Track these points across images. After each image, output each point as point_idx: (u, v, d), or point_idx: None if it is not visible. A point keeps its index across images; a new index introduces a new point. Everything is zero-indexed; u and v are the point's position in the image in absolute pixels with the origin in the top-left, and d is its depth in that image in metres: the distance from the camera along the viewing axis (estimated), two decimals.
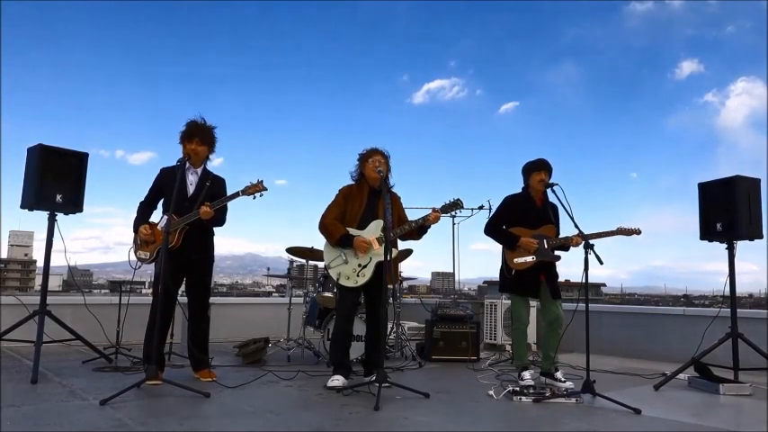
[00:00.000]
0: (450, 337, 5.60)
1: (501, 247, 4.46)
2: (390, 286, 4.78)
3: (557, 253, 4.37)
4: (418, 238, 4.26)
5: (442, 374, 4.89)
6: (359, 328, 4.68)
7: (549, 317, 4.33)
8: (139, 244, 4.10)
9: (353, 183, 4.28)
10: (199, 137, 4.07)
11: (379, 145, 4.27)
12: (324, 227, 4.13)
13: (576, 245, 4.19)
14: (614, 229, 4.30)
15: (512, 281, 4.35)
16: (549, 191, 4.31)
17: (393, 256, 4.02)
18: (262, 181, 3.95)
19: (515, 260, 4.29)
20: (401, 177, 4.34)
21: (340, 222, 4.11)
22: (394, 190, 4.28)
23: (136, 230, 4.11)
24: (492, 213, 4.58)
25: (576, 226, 4.00)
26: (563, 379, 4.24)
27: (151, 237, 4.07)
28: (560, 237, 4.32)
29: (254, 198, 3.98)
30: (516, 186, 4.54)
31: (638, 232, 4.32)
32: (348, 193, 4.22)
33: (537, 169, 4.37)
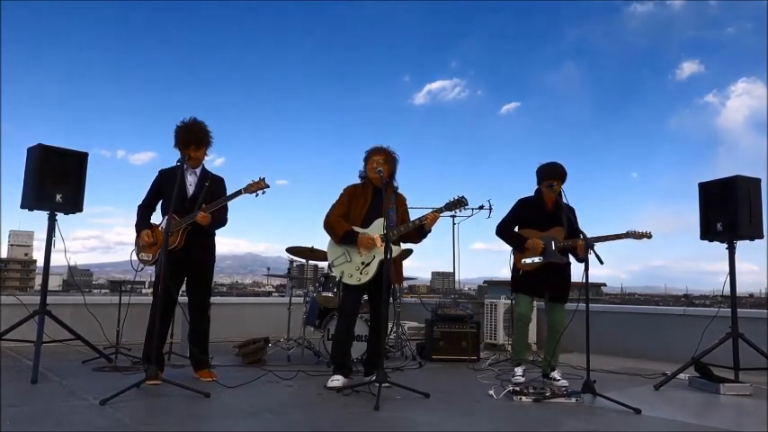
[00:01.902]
0: (450, 336, 5.59)
1: (508, 248, 4.50)
2: (395, 285, 4.79)
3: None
4: (418, 241, 4.28)
5: (442, 374, 4.89)
6: (360, 327, 4.69)
7: (549, 321, 4.42)
8: (142, 246, 4.11)
9: (359, 182, 4.30)
10: (195, 143, 4.04)
11: (383, 145, 4.28)
12: (328, 224, 4.14)
13: (582, 249, 4.17)
14: (624, 232, 4.26)
15: (519, 280, 4.42)
16: (563, 192, 4.32)
17: (396, 254, 4.04)
18: (264, 178, 3.96)
19: (523, 261, 4.36)
20: (402, 177, 4.36)
21: (344, 221, 4.12)
22: (400, 191, 4.31)
23: (138, 234, 4.12)
24: (504, 215, 4.59)
25: (576, 226, 4.00)
26: (558, 377, 4.31)
27: (154, 240, 4.06)
28: (568, 240, 4.29)
29: (257, 196, 3.99)
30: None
31: (648, 236, 4.26)
32: (353, 193, 4.24)
33: (547, 178, 4.36)
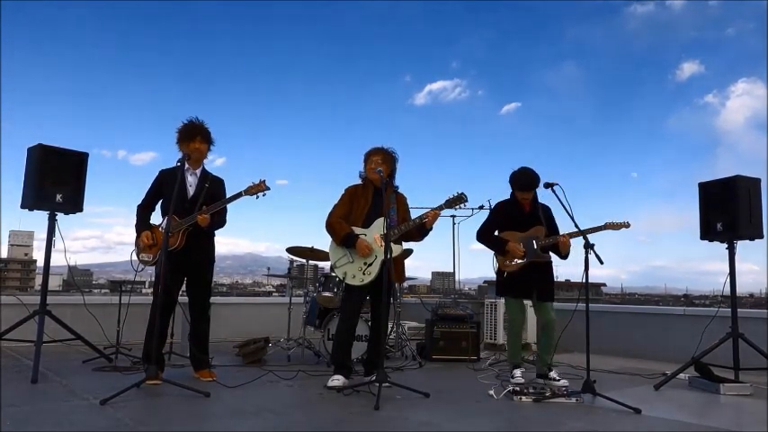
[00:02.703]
0: (450, 336, 5.59)
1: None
2: (396, 285, 4.80)
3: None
4: (419, 240, 4.29)
5: (442, 374, 4.89)
6: (360, 327, 4.69)
7: (541, 320, 4.45)
8: (142, 247, 4.11)
9: (360, 182, 4.31)
10: (200, 135, 4.11)
11: (381, 146, 4.29)
12: (330, 226, 4.16)
13: (565, 246, 4.22)
14: (603, 224, 4.30)
15: (505, 283, 4.45)
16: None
17: (397, 253, 4.05)
18: (264, 180, 3.98)
19: (506, 263, 4.40)
20: (402, 177, 4.37)
21: (345, 221, 4.13)
22: (400, 191, 4.32)
23: (138, 234, 4.12)
24: (483, 221, 4.66)
25: (576, 225, 4.02)
26: (557, 378, 4.29)
27: (154, 241, 4.06)
28: (550, 237, 4.34)
29: (257, 198, 4.01)
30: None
31: (626, 226, 4.32)
32: (354, 193, 4.26)
33: (521, 190, 4.42)
